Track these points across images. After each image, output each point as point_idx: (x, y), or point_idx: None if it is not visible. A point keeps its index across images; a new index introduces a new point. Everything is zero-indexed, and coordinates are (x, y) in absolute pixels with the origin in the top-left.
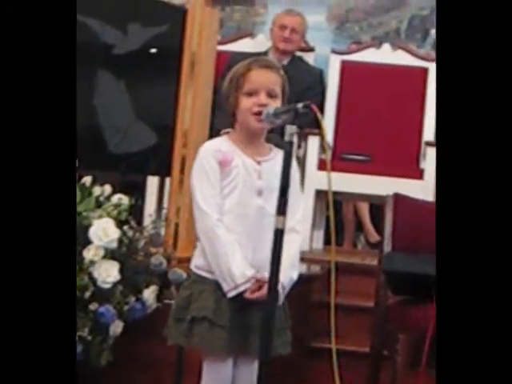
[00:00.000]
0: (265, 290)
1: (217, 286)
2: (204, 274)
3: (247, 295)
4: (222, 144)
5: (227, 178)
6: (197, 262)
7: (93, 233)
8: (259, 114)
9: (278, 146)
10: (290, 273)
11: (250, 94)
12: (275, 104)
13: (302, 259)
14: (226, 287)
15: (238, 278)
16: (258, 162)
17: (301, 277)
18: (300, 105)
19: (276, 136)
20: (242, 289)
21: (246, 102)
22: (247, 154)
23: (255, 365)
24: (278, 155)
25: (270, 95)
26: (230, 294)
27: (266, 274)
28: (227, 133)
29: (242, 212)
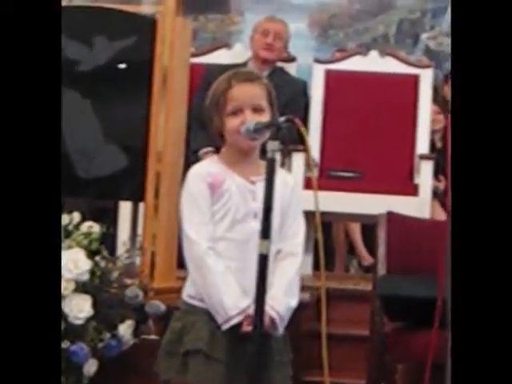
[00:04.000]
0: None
1: (211, 316)
2: (197, 303)
3: (244, 327)
4: (211, 166)
5: (219, 202)
6: (189, 292)
7: (62, 265)
8: None
9: None
10: (286, 300)
11: (235, 112)
12: (264, 119)
13: None
14: (219, 319)
15: (230, 309)
16: (252, 182)
17: None
18: (282, 119)
19: None
20: (235, 321)
21: (231, 123)
22: (240, 175)
23: None
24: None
25: (256, 110)
26: (224, 327)
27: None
28: (206, 153)
29: (236, 237)
